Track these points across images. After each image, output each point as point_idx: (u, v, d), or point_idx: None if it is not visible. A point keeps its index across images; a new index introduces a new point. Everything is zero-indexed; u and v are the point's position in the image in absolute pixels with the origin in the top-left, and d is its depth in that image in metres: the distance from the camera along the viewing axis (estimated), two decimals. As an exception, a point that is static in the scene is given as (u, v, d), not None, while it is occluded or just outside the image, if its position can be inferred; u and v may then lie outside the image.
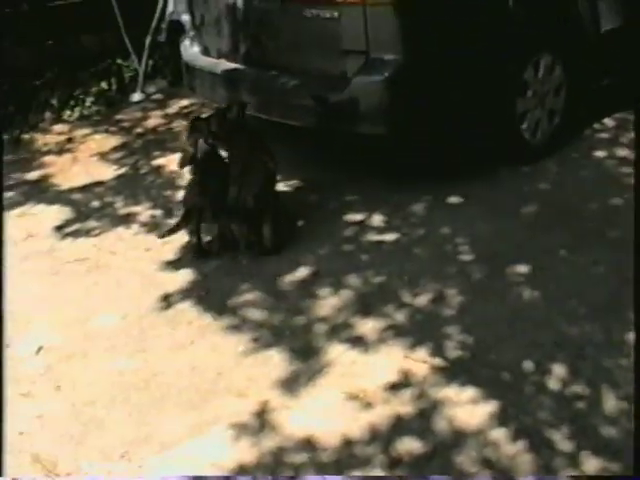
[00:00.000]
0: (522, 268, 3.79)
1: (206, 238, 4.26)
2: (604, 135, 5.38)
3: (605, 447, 2.70)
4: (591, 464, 2.64)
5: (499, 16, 4.53)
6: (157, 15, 7.49)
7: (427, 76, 4.32)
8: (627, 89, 5.30)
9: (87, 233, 4.61)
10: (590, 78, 5.29)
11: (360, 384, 3.06)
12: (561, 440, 2.74)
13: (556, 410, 2.88)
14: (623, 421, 2.80)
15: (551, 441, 2.73)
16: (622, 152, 5.04)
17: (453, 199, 4.55)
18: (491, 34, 4.52)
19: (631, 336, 3.19)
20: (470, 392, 2.99)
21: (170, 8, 7.50)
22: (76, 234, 4.60)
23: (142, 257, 4.26)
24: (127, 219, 4.74)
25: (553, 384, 3.01)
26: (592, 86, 5.35)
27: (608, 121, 5.58)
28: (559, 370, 3.07)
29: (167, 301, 3.79)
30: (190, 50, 5.64)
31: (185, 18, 6.60)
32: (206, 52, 5.48)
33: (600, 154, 5.05)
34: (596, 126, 5.51)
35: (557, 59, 4.92)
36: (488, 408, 2.90)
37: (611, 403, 2.89)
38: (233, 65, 5.12)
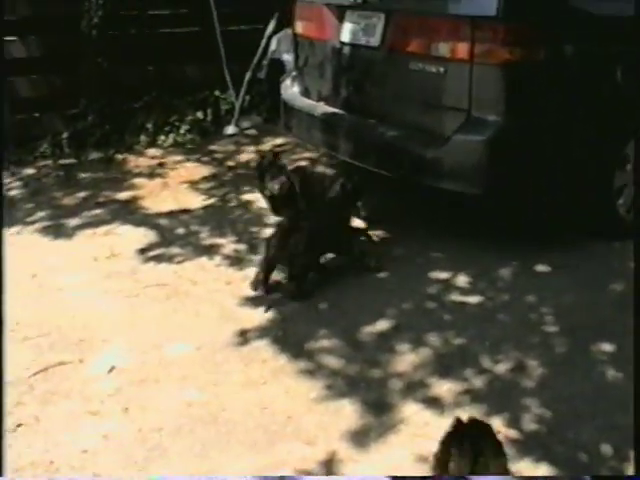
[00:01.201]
0: (607, 346, 3.69)
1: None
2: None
3: None
4: None
5: (606, 87, 4.46)
6: (259, 52, 7.62)
7: (527, 141, 4.26)
8: None
9: (169, 259, 4.64)
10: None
11: (431, 447, 2.99)
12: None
13: (632, 498, 2.77)
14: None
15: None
16: None
17: (541, 267, 4.47)
18: (596, 104, 4.45)
19: None
20: (544, 469, 2.89)
21: (272, 47, 7.63)
22: (158, 259, 4.64)
23: (222, 290, 4.26)
24: (210, 250, 4.76)
25: (631, 471, 2.88)
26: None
27: None
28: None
29: (244, 337, 3.78)
30: (290, 90, 5.71)
31: (286, 57, 6.73)
32: (306, 93, 5.53)
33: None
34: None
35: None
36: (562, 489, 2.81)
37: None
38: (332, 109, 5.15)
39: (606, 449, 3.00)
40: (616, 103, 4.51)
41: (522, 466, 2.90)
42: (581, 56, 4.32)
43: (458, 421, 2.43)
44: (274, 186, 4.65)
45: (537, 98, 4.26)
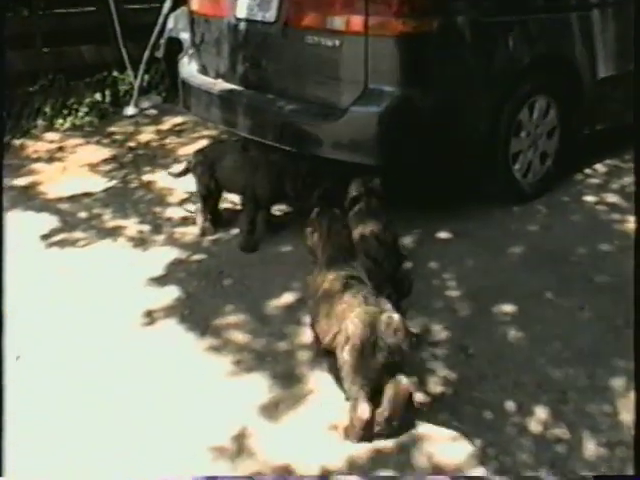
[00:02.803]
0: (508, 308, 3.79)
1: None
2: (595, 180, 5.42)
3: (583, 493, 2.69)
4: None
5: (498, 56, 4.54)
6: (156, 31, 7.52)
7: (423, 111, 4.31)
8: (620, 136, 5.35)
9: (73, 244, 4.58)
10: (584, 123, 5.33)
11: (340, 415, 3.03)
12: (540, 484, 2.73)
13: (536, 452, 2.86)
14: (602, 467, 2.79)
15: (529, 484, 2.72)
16: (612, 198, 5.09)
17: (443, 234, 4.56)
18: (489, 73, 4.54)
19: (615, 382, 3.22)
20: (451, 429, 2.97)
21: (170, 25, 7.54)
22: (62, 244, 4.57)
23: (127, 271, 4.24)
24: (114, 232, 4.72)
25: (534, 426, 3.00)
26: (585, 131, 5.40)
27: (599, 167, 5.64)
28: (541, 412, 3.06)
29: (150, 317, 3.78)
30: (188, 68, 5.64)
31: (184, 36, 6.64)
32: (204, 71, 5.48)
33: (590, 199, 5.09)
34: (587, 171, 5.56)
35: (552, 102, 4.97)
36: (468, 447, 2.88)
37: (591, 448, 2.88)
38: (230, 86, 5.12)
39: (510, 406, 3.10)
40: (508, 72, 4.61)
41: (431, 427, 2.98)
42: (473, 26, 4.38)
43: None
44: None
45: (432, 68, 4.32)
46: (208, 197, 4.62)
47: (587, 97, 5.17)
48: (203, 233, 4.59)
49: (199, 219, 4.62)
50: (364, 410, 2.88)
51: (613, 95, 5.42)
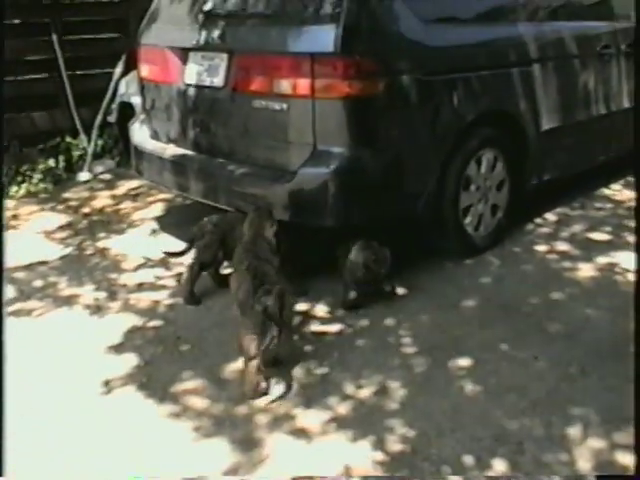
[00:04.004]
0: (463, 362, 3.83)
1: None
2: (545, 230, 5.53)
3: None
4: None
5: (444, 113, 4.64)
6: (108, 95, 7.57)
7: (372, 170, 4.38)
8: (567, 184, 5.46)
9: (28, 313, 4.55)
10: (532, 174, 5.45)
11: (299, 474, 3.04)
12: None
13: (495, 506, 2.89)
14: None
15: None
16: (562, 246, 5.19)
17: (398, 290, 4.60)
18: (436, 130, 4.64)
19: (571, 430, 3.26)
20: (410, 487, 2.99)
21: (122, 89, 7.60)
22: (17, 314, 4.53)
23: (84, 340, 4.21)
24: (70, 300, 4.69)
25: (492, 479, 3.02)
26: (533, 182, 5.51)
27: (549, 216, 5.76)
28: (499, 465, 3.08)
29: (108, 387, 3.74)
30: (139, 133, 5.68)
31: (136, 100, 6.68)
32: (155, 136, 5.53)
33: (541, 248, 5.19)
34: (538, 221, 5.66)
35: (499, 155, 5.08)
36: (429, 504, 2.90)
37: (550, 499, 2.91)
38: (181, 151, 5.18)
39: (468, 460, 3.11)
40: (454, 128, 4.71)
41: (390, 486, 2.99)
42: (418, 85, 4.48)
43: None
44: None
45: (379, 128, 4.40)
46: (208, 266, 4.64)
47: (532, 149, 5.30)
48: (188, 302, 4.58)
49: (186, 287, 4.60)
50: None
51: (558, 146, 5.56)
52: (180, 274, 4.85)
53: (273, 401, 3.54)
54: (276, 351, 3.69)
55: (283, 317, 3.61)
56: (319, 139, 4.29)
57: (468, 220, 4.96)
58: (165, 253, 4.89)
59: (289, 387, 3.66)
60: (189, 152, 5.12)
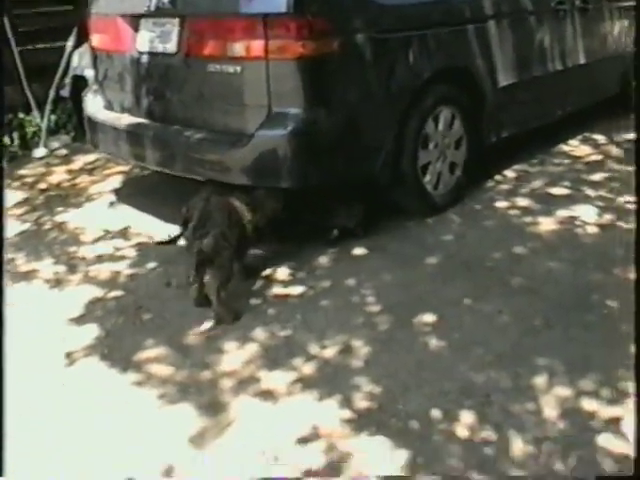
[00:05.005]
0: (427, 318, 3.83)
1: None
2: (505, 186, 5.54)
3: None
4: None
5: (399, 71, 4.61)
6: (60, 69, 7.45)
7: (330, 130, 4.35)
8: (525, 141, 5.47)
9: (-14, 290, 4.48)
10: (489, 131, 5.44)
11: (269, 438, 3.03)
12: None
13: (465, 457, 2.89)
14: (531, 464, 2.83)
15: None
16: (523, 202, 5.20)
17: (358, 251, 4.59)
18: (392, 88, 4.61)
19: (537, 380, 3.28)
20: (379, 442, 2.98)
21: (74, 62, 7.47)
22: (-25, 291, 4.47)
23: (45, 314, 4.16)
24: (28, 275, 4.63)
25: (461, 431, 3.02)
26: (492, 139, 5.50)
27: (509, 172, 5.77)
28: (466, 417, 3.09)
29: (70, 358, 3.71)
30: (93, 104, 5.59)
31: (89, 73, 6.57)
32: (109, 106, 5.44)
33: (502, 205, 5.19)
34: (497, 178, 5.67)
35: (457, 113, 5.06)
36: (398, 458, 2.89)
37: (519, 447, 2.91)
38: (136, 120, 5.09)
39: (436, 414, 3.12)
40: (410, 86, 4.68)
41: (359, 443, 2.98)
42: (372, 44, 4.45)
43: None
44: None
45: (335, 87, 4.36)
46: None
47: (490, 106, 5.29)
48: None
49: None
50: None
51: (516, 102, 5.57)
52: (140, 244, 4.81)
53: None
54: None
55: (216, 261, 3.89)
56: (274, 101, 4.23)
57: (427, 178, 4.94)
58: (158, 243, 4.86)
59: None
60: (144, 121, 5.02)
